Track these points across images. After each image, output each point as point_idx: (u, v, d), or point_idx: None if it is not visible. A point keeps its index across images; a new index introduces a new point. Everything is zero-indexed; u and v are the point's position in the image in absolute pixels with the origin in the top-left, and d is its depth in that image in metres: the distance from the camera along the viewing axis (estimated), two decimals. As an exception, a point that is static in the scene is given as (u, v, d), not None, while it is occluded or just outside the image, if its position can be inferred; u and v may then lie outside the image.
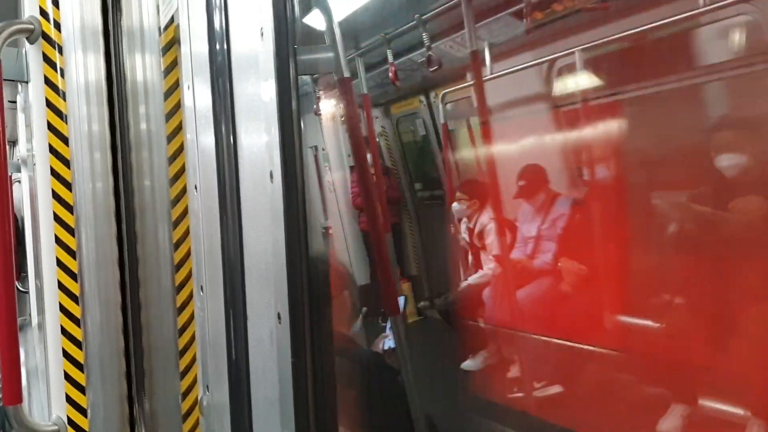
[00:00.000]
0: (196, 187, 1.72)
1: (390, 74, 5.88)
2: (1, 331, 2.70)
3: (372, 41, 5.93)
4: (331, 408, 1.30)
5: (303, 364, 1.23)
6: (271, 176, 1.25)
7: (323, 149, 6.93)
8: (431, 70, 5.72)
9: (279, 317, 1.26)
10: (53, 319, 2.83)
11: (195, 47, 1.68)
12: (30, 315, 6.18)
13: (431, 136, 6.89)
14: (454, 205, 6.00)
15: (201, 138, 1.68)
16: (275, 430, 1.31)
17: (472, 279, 5.99)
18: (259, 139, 1.31)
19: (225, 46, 1.47)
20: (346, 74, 3.34)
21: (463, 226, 6.07)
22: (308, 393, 1.23)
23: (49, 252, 2.82)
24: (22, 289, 6.67)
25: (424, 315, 7.14)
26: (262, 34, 1.26)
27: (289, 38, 1.22)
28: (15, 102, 5.08)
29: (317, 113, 6.22)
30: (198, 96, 1.68)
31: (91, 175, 2.80)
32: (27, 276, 6.01)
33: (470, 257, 6.12)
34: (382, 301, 3.30)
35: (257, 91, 1.30)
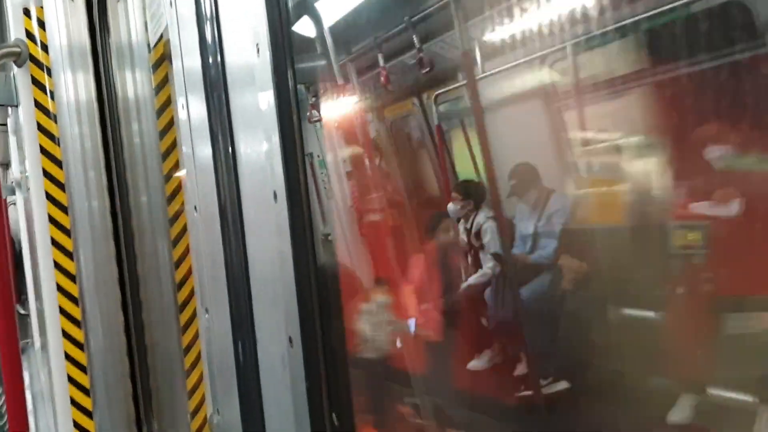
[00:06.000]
0: (195, 208, 1.68)
1: (382, 78, 5.83)
2: (4, 360, 2.67)
3: (362, 46, 5.89)
4: (350, 432, 1.26)
5: (318, 389, 1.19)
6: (275, 196, 1.21)
7: (318, 156, 6.88)
8: (423, 72, 5.67)
9: (291, 341, 1.22)
10: (56, 345, 2.79)
11: (187, 62, 1.64)
12: (32, 337, 6.13)
13: (426, 137, 6.85)
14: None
15: (198, 157, 1.64)
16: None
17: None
18: (259, 158, 1.27)
19: (219, 59, 1.43)
20: (340, 81, 3.31)
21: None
22: (325, 420, 1.19)
23: (48, 277, 2.78)
24: (22, 311, 6.62)
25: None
26: (257, 47, 1.22)
27: (286, 49, 1.18)
28: (5, 125, 5.02)
29: (311, 121, 6.16)
30: (193, 112, 1.64)
31: (86, 197, 2.76)
32: (27, 298, 5.96)
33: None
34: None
35: (255, 106, 1.26)
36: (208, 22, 1.46)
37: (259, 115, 1.24)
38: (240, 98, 1.36)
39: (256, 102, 1.25)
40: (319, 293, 1.19)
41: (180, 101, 1.71)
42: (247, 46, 1.26)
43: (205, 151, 1.53)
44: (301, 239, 1.17)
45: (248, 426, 1.50)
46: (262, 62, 1.20)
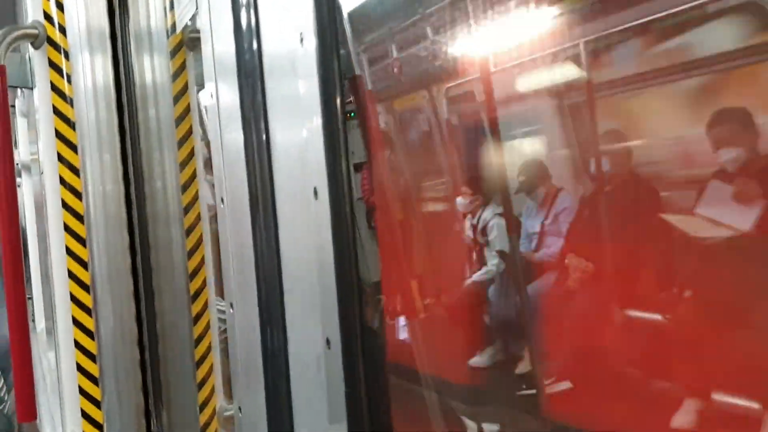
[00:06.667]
0: (222, 200, 1.64)
1: (395, 69, 5.78)
2: (14, 349, 2.63)
3: (375, 36, 5.82)
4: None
5: (357, 393, 1.14)
6: (316, 193, 1.16)
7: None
8: (435, 64, 5.62)
9: (328, 343, 1.17)
10: (66, 333, 2.75)
11: (219, 48, 1.59)
12: (34, 321, 6.09)
13: (434, 130, 6.80)
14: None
15: (227, 147, 1.60)
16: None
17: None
18: (298, 151, 1.23)
19: (256, 46, 1.38)
20: (357, 71, 3.24)
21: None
22: (364, 424, 1.15)
23: (59, 263, 2.74)
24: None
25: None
26: (301, 36, 1.17)
27: (332, 39, 1.14)
28: (14, 107, 4.98)
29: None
30: (223, 100, 1.60)
31: (101, 183, 2.72)
32: (30, 281, 5.93)
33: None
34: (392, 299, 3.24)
35: (296, 97, 1.21)
36: (244, 8, 1.42)
37: (300, 106, 1.20)
38: (278, 88, 1.31)
39: (297, 92, 1.21)
40: (361, 295, 1.15)
41: (209, 88, 1.66)
42: (289, 33, 1.21)
43: (236, 141, 1.49)
44: (344, 239, 1.13)
45: (275, 426, 1.46)
46: (307, 51, 1.15)
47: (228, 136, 1.57)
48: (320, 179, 1.15)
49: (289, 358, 1.36)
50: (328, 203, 1.13)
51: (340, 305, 1.14)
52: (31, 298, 6.19)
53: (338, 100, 1.13)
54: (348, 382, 1.14)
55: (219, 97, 1.60)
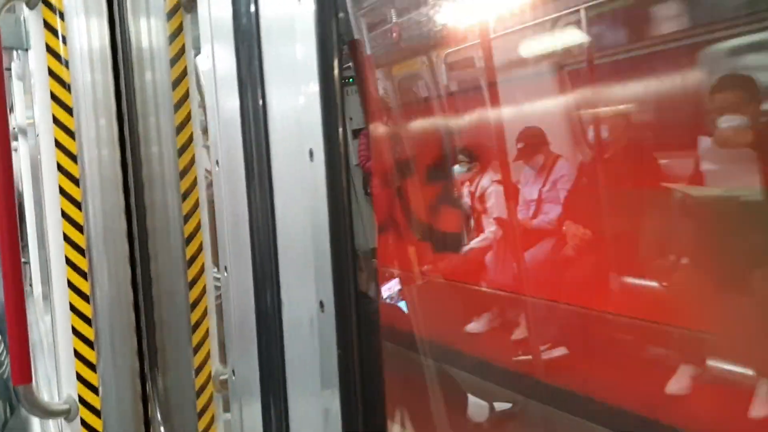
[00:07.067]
0: (217, 162, 1.63)
1: (393, 34, 5.75)
2: (9, 312, 2.62)
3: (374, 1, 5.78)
4: (381, 404, 1.22)
5: (350, 356, 1.14)
6: (311, 154, 1.15)
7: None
8: (434, 30, 5.59)
9: (322, 305, 1.17)
10: (61, 296, 2.75)
11: (215, 9, 1.57)
12: (31, 286, 6.10)
13: (434, 97, 6.78)
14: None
15: (223, 109, 1.58)
16: (317, 422, 1.24)
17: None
18: (295, 114, 1.22)
19: (252, 7, 1.36)
20: (357, 35, 3.22)
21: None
22: (356, 387, 1.15)
23: (55, 226, 2.73)
24: (22, 259, 6.58)
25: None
26: None
27: (329, 1, 1.12)
28: (10, 69, 4.94)
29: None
30: (219, 63, 1.58)
31: (97, 146, 2.70)
32: (27, 246, 5.92)
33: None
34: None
35: (293, 59, 1.20)
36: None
37: (296, 68, 1.19)
38: (275, 49, 1.30)
39: (293, 54, 1.19)
40: (354, 258, 1.14)
41: (205, 51, 1.65)
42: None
43: (231, 103, 1.48)
44: (339, 203, 1.12)
45: (267, 388, 1.46)
46: (304, 12, 1.14)
47: (224, 99, 1.56)
48: (316, 141, 1.14)
49: (283, 321, 1.36)
50: (324, 165, 1.13)
51: (333, 268, 1.13)
52: (27, 263, 6.19)
53: (335, 64, 1.12)
54: (341, 345, 1.14)
55: (215, 60, 1.59)
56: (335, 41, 1.11)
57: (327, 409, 1.20)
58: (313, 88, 1.13)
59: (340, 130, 1.12)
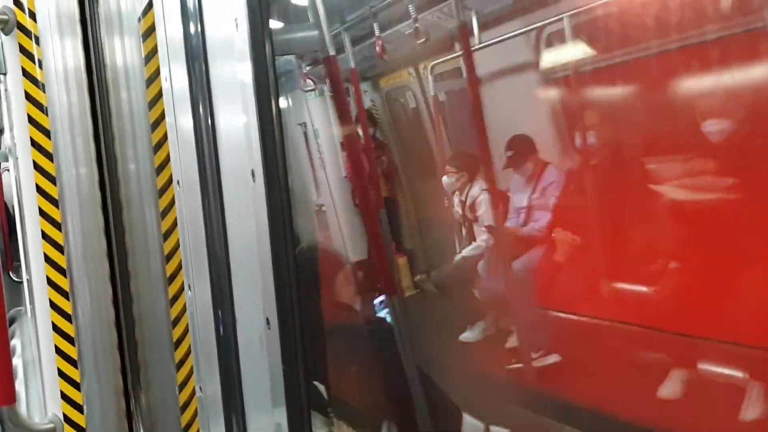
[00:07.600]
0: (178, 183, 1.65)
1: (377, 48, 5.76)
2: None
3: (358, 15, 5.79)
4: (325, 413, 1.24)
5: (295, 371, 1.16)
6: (253, 175, 1.18)
7: (313, 125, 6.83)
8: (419, 42, 5.60)
9: (268, 322, 1.19)
10: (44, 316, 2.77)
11: (170, 31, 1.60)
12: (26, 305, 6.11)
13: (421, 107, 6.78)
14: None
15: (180, 129, 1.61)
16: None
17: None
18: (238, 134, 1.24)
19: (200, 30, 1.39)
20: (332, 51, 3.24)
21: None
22: (301, 400, 1.17)
23: (35, 247, 2.75)
24: (16, 279, 6.60)
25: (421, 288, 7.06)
26: (236, 21, 1.18)
27: (263, 24, 1.14)
28: (-2, 91, 4.97)
29: (304, 90, 6.11)
30: (176, 84, 1.61)
31: (75, 166, 2.72)
32: (20, 265, 5.95)
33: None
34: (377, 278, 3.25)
35: (234, 80, 1.23)
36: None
37: (237, 90, 1.21)
38: (220, 71, 1.33)
39: (234, 76, 1.22)
40: (298, 277, 1.16)
41: (163, 72, 1.68)
42: (227, 17, 1.22)
43: (186, 124, 1.50)
44: (278, 223, 1.14)
45: (228, 404, 1.48)
46: (241, 36, 1.16)
47: (180, 119, 1.58)
48: (256, 162, 1.16)
49: (238, 339, 1.38)
50: (264, 186, 1.15)
51: (276, 285, 1.15)
52: (21, 282, 6.22)
53: (271, 84, 1.14)
54: (285, 360, 1.16)
55: (172, 80, 1.62)
56: (270, 62, 1.14)
57: (278, 424, 1.22)
58: (251, 108, 1.16)
59: (279, 149, 1.14)
